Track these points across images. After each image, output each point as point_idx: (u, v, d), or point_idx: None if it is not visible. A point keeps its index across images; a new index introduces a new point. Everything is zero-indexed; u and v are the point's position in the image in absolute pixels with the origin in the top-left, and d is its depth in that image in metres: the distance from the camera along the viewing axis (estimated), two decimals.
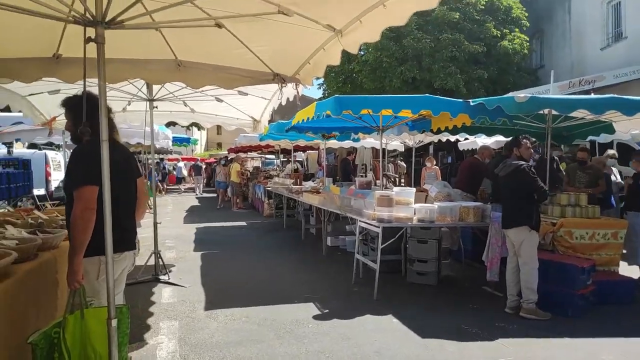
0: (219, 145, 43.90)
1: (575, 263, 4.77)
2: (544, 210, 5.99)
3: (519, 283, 4.74)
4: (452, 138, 11.14)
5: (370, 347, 3.87)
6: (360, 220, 5.77)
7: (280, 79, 5.12)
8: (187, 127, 19.85)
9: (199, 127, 22.80)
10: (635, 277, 5.85)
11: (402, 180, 12.63)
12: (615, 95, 5.34)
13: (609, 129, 7.32)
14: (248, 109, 7.37)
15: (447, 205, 5.52)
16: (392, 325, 4.41)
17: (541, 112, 6.61)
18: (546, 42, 20.06)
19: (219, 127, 14.89)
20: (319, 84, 23.30)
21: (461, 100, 6.30)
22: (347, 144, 12.85)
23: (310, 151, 18.33)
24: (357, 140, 11.73)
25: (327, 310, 4.78)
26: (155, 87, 6.25)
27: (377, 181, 13.71)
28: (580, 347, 3.95)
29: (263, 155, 21.38)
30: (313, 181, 11.96)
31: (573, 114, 6.40)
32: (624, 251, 6.04)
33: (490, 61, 18.01)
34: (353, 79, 21.14)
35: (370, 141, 12.62)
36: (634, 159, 6.65)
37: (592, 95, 5.81)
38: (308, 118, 6.80)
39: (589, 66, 16.67)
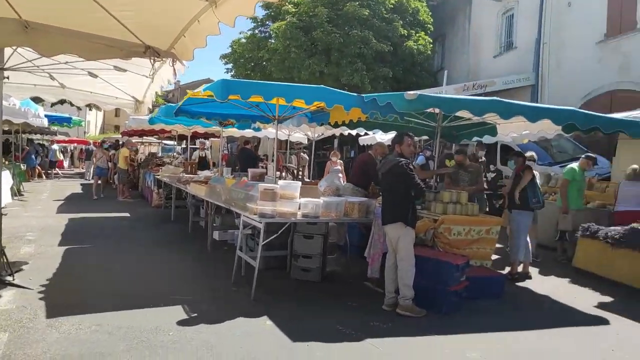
0: (117, 128, 40.69)
1: (450, 260, 4.82)
2: (428, 206, 6.07)
3: (397, 280, 4.69)
4: (353, 132, 11.18)
5: (234, 356, 3.52)
6: (243, 215, 5.40)
7: (154, 53, 4.54)
8: (78, 107, 18.02)
9: (90, 107, 20.86)
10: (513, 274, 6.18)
11: (300, 173, 12.48)
12: (495, 99, 5.51)
13: (492, 131, 7.67)
14: (128, 88, 6.63)
15: (333, 201, 5.34)
16: (265, 329, 4.11)
17: (432, 111, 6.73)
18: (447, 46, 21.10)
19: (117, 109, 13.60)
20: (226, 69, 22.45)
21: (354, 94, 6.18)
22: (248, 133, 12.38)
23: (214, 139, 17.53)
24: (258, 129, 11.33)
25: (195, 314, 4.35)
26: (7, 53, 5.30)
27: (281, 173, 13.42)
28: (449, 345, 3.95)
29: (161, 141, 20.08)
30: (211, 171, 11.35)
31: (459, 114, 6.57)
32: (498, 245, 6.36)
33: (395, 60, 18.49)
34: (262, 67, 20.62)
35: (273, 131, 12.26)
36: (514, 160, 7.01)
37: (474, 97, 5.97)
38: (193, 100, 6.29)
39: (482, 71, 17.76)
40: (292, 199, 5.11)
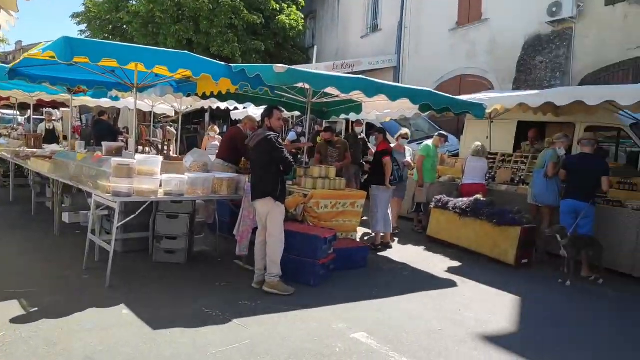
0: None
1: (318, 234, 4.90)
2: (299, 182, 6.10)
3: (266, 257, 4.62)
4: (223, 106, 10.76)
5: (82, 352, 3.12)
6: (95, 194, 4.82)
7: None
8: None
9: None
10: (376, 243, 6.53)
11: (167, 148, 11.68)
12: (360, 77, 5.68)
13: (358, 109, 7.96)
14: None
15: (199, 177, 5.04)
16: (121, 319, 3.73)
17: (302, 87, 6.72)
18: (318, 24, 21.39)
19: None
20: (80, 31, 19.93)
21: (222, 63, 5.87)
22: (105, 102, 11.15)
23: (65, 109, 15.50)
24: (116, 99, 10.28)
25: (36, 309, 3.78)
26: None
27: (144, 148, 12.39)
28: (317, 318, 4.01)
29: None
30: (60, 145, 10.01)
31: (328, 91, 6.67)
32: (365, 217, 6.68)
33: (268, 34, 18.19)
34: (123, 31, 18.75)
35: (133, 101, 11.19)
36: (375, 136, 7.34)
37: (342, 75, 6.09)
38: (32, 61, 5.39)
39: (351, 51, 18.41)
40: (152, 175, 4.69)
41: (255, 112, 11.88)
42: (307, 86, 6.64)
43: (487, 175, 7.88)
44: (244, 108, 11.06)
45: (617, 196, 6.12)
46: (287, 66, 5.19)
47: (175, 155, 10.79)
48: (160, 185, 4.78)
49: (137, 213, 4.72)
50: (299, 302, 4.30)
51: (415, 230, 7.94)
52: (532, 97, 7.22)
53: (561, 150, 6.49)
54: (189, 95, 7.95)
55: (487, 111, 7.42)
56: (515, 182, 7.61)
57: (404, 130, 7.87)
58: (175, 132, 13.70)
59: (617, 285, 5.41)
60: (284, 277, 4.59)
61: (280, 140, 4.61)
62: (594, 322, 4.38)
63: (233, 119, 14.10)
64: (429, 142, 8.21)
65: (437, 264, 6.01)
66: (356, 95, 6.93)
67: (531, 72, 11.97)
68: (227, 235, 6.09)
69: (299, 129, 10.76)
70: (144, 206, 4.74)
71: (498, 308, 4.54)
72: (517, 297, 4.85)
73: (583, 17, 11.01)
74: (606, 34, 10.59)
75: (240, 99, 8.10)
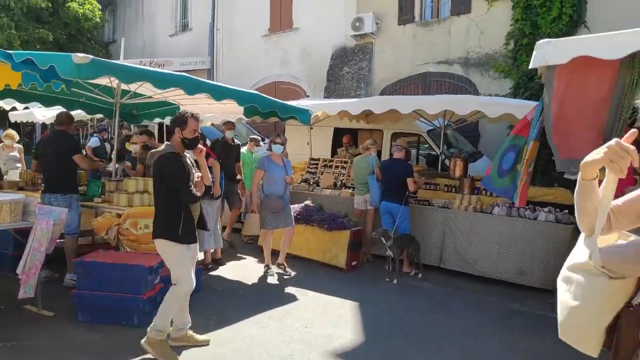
0: None
1: (141, 263, 4.11)
2: (110, 198, 5.15)
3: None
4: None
5: None
6: None
7: None
8: None
9: None
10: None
11: None
12: (182, 74, 5.09)
13: (175, 112, 7.20)
14: None
15: None
16: None
17: (110, 85, 5.73)
18: (119, 18, 19.36)
19: None
20: None
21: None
22: None
23: None
24: None
25: None
26: None
27: None
28: None
29: None
30: None
31: (140, 91, 5.85)
32: None
33: (57, 22, 15.63)
34: None
35: None
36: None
37: (159, 70, 5.37)
38: None
39: (159, 50, 17.11)
40: None
41: (45, 114, 9.96)
42: (115, 84, 5.69)
43: (312, 180, 8.02)
44: (25, 108, 8.98)
45: (425, 196, 6.78)
46: (90, 56, 4.23)
47: None
48: None
49: None
50: (118, 350, 3.50)
51: (244, 241, 7.54)
52: (353, 104, 7.59)
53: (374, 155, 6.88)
54: None
55: None
56: (338, 186, 7.87)
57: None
58: None
59: (430, 277, 5.93)
60: (97, 319, 3.72)
61: (187, 161, 3.55)
62: (423, 317, 4.64)
63: (12, 121, 11.55)
64: (244, 149, 7.87)
65: (273, 278, 5.73)
66: (173, 96, 6.23)
67: (339, 82, 12.79)
68: (9, 273, 4.73)
69: (105, 135, 9.33)
70: None
71: (341, 318, 4.47)
72: (355, 303, 4.87)
73: (381, 34, 12.23)
74: (399, 51, 11.95)
75: (23, 96, 6.53)
